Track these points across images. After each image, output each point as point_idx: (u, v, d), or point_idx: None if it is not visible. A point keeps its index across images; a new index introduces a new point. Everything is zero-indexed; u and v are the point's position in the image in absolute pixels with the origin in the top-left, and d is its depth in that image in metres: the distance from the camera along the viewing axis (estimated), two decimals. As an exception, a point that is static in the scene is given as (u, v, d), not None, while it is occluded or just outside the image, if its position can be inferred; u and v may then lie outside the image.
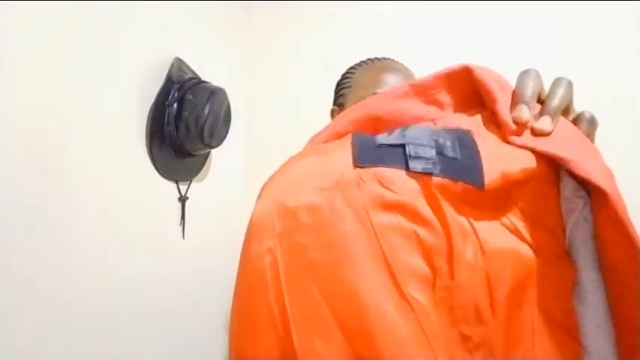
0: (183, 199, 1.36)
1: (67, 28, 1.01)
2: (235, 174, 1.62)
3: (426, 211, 0.37)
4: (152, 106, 1.22)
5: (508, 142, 0.40)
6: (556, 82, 0.44)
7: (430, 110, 0.45)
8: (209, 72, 1.41)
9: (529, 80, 0.43)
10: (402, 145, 0.39)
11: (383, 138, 0.41)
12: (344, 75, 0.94)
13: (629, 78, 1.26)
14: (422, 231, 0.36)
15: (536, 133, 0.40)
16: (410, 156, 0.38)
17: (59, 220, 1.00)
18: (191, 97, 1.26)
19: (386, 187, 0.37)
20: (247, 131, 1.65)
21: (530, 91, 0.42)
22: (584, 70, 1.24)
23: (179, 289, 1.37)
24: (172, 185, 1.34)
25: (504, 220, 0.39)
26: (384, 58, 0.92)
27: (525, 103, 0.41)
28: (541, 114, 0.41)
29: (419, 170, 0.38)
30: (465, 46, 1.39)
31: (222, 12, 1.56)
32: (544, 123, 0.40)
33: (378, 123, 0.45)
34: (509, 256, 0.37)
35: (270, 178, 0.46)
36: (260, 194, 0.44)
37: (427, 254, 0.36)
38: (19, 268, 0.93)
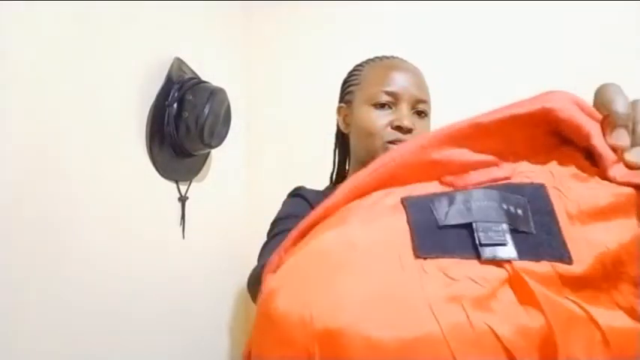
0: (183, 199, 1.36)
1: (66, 28, 1.01)
2: (235, 174, 1.62)
3: (507, 302, 0.30)
4: (152, 106, 1.22)
5: (608, 180, 0.33)
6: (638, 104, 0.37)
7: (495, 157, 0.39)
8: (209, 72, 1.41)
9: (619, 98, 0.36)
10: (469, 225, 0.33)
11: (443, 212, 0.34)
12: (351, 72, 0.94)
13: (629, 78, 1.26)
14: (503, 328, 0.29)
15: (631, 167, 0.33)
16: (480, 243, 0.32)
17: (59, 220, 1.00)
18: (191, 97, 1.26)
19: (451, 278, 0.31)
20: (247, 131, 1.65)
21: (624, 110, 0.35)
22: (583, 70, 1.24)
23: (179, 289, 1.37)
24: (172, 185, 1.34)
25: (617, 297, 0.32)
26: (392, 57, 0.92)
27: (624, 126, 0.34)
28: (633, 145, 0.34)
29: (492, 259, 0.32)
30: (465, 46, 1.39)
31: (222, 12, 1.56)
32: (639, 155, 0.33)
33: (437, 167, 0.39)
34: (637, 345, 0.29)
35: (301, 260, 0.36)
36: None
37: (511, 356, 0.29)
38: (19, 268, 0.93)
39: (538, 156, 0.38)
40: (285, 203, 0.93)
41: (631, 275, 0.31)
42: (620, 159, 0.34)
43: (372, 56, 0.97)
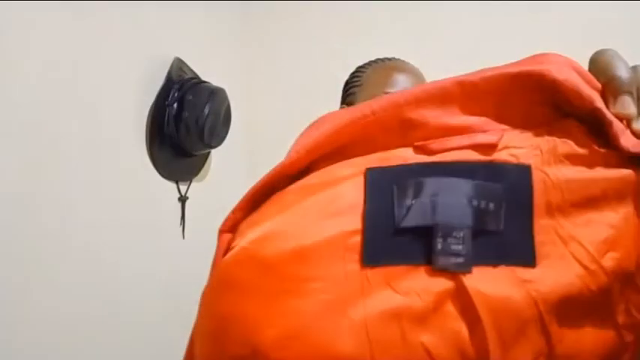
0: (183, 199, 1.36)
1: (67, 28, 1.01)
2: (235, 174, 1.62)
3: (449, 317, 0.28)
4: (152, 106, 1.22)
5: (620, 149, 0.29)
6: None
7: (482, 122, 0.33)
8: (209, 72, 1.41)
9: (620, 63, 0.32)
10: (430, 228, 0.29)
11: (405, 206, 0.30)
12: (353, 73, 0.94)
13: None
14: (439, 346, 0.27)
15: None
16: (435, 250, 0.29)
17: (59, 220, 1.00)
18: (191, 97, 1.26)
19: (395, 291, 0.29)
20: (247, 131, 1.65)
21: (627, 75, 0.31)
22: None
23: (179, 289, 1.37)
24: (172, 185, 1.34)
25: (618, 310, 0.29)
26: (394, 59, 0.92)
27: (628, 92, 0.30)
28: None
29: (445, 269, 0.29)
30: (465, 46, 1.39)
31: (222, 12, 1.56)
32: None
33: (409, 126, 0.33)
34: None
35: (269, 205, 0.36)
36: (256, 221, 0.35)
37: None
38: (18, 267, 0.93)
39: (530, 127, 0.33)
40: None
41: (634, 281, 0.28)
42: (628, 128, 0.30)
43: (374, 58, 0.97)
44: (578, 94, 0.31)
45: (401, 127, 0.33)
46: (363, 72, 0.93)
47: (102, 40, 1.09)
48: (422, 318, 0.28)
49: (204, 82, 1.34)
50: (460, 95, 0.33)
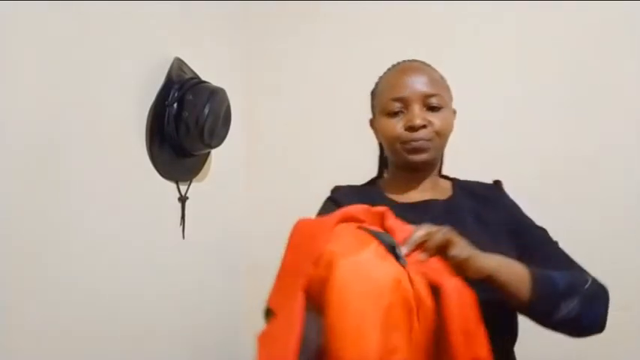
0: (183, 199, 1.36)
1: (67, 28, 1.01)
2: (235, 174, 1.62)
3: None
4: (152, 106, 1.22)
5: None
6: None
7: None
8: (209, 72, 1.41)
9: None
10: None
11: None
12: (376, 82, 0.95)
13: (625, 76, 1.27)
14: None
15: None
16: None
17: (59, 220, 1.00)
18: (191, 97, 1.26)
19: None
20: (247, 131, 1.65)
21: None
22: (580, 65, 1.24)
23: (179, 288, 1.37)
24: (172, 185, 1.34)
25: None
26: (403, 61, 0.92)
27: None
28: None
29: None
30: (464, 47, 1.39)
31: (222, 12, 1.56)
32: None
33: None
34: None
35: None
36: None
37: None
38: (18, 267, 0.93)
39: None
40: (322, 205, 0.94)
41: None
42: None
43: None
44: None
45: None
46: (378, 82, 0.93)
47: (102, 40, 1.09)
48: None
49: (204, 82, 1.34)
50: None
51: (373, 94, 0.94)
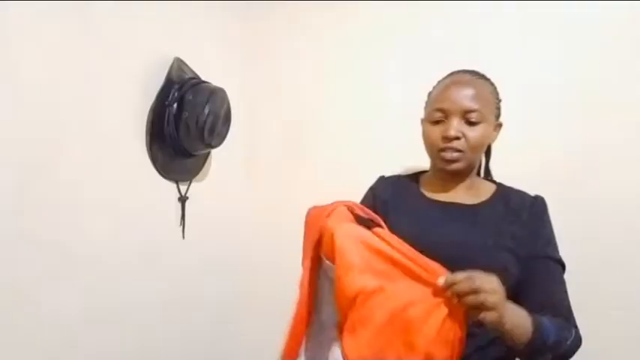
0: (183, 199, 1.36)
1: (67, 28, 1.01)
2: (235, 174, 1.62)
3: None
4: (152, 106, 1.22)
5: None
6: None
7: None
8: (209, 72, 1.41)
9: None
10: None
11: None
12: (433, 86, 1.00)
13: (628, 76, 1.27)
14: None
15: None
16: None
17: (59, 220, 1.00)
18: (191, 97, 1.26)
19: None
20: (247, 131, 1.65)
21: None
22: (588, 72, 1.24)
23: (179, 288, 1.37)
24: (172, 185, 1.34)
25: None
26: (463, 71, 0.96)
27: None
28: None
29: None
30: (464, 48, 1.39)
31: (222, 12, 1.56)
32: None
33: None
34: None
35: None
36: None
37: None
38: (18, 267, 0.93)
39: None
40: (365, 193, 1.07)
41: None
42: None
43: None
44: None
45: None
46: (436, 84, 0.98)
47: (102, 40, 1.09)
48: None
49: (204, 82, 1.34)
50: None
51: (428, 96, 0.99)
